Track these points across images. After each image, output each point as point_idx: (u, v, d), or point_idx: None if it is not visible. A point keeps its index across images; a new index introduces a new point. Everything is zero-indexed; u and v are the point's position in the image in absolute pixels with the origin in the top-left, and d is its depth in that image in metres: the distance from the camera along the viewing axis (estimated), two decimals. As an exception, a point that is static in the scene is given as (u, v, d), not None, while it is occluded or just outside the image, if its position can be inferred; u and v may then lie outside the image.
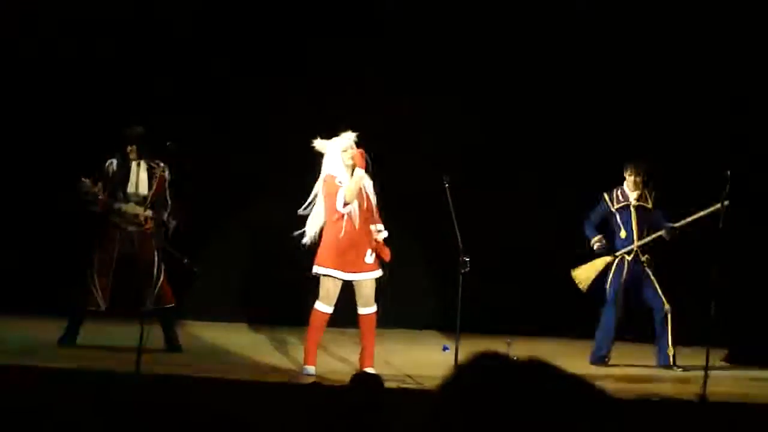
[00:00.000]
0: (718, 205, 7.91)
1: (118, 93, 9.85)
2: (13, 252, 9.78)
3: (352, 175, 7.66)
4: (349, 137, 7.76)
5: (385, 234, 7.85)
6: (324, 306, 7.74)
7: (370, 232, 7.78)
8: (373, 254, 7.75)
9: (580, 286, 9.05)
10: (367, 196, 7.75)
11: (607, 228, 9.07)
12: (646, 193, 9.00)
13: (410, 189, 9.68)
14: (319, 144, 7.75)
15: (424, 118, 10.19)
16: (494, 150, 10.38)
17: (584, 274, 9.05)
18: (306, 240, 7.82)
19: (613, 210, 9.01)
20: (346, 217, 7.64)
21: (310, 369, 7.73)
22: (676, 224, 8.83)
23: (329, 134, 7.80)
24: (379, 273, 7.85)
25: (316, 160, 7.82)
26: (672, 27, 10.32)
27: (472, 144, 10.32)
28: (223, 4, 10.32)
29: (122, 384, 6.65)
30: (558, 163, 10.40)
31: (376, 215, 7.86)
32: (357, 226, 7.65)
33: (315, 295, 7.83)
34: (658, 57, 10.39)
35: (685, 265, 9.10)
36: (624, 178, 9.00)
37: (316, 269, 7.72)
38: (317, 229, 7.79)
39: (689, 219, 8.70)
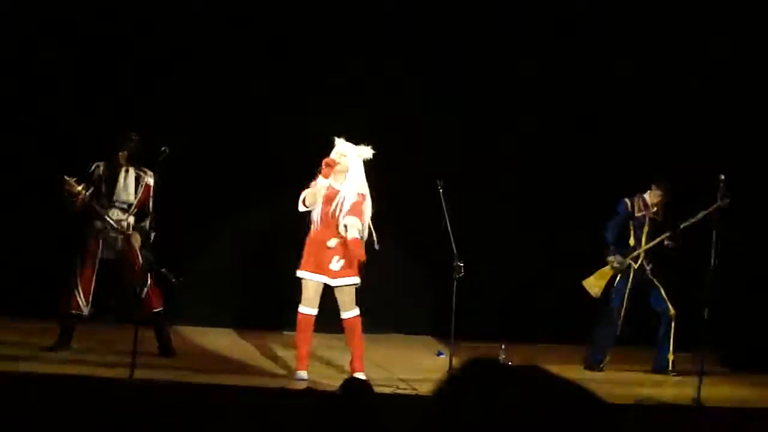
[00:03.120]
0: (719, 203, 8.01)
1: (112, 97, 9.82)
2: (7, 256, 9.75)
3: (326, 176, 7.77)
4: (346, 145, 7.84)
5: (353, 233, 7.70)
6: (305, 308, 7.86)
7: (339, 238, 7.77)
8: (342, 260, 7.77)
9: (593, 293, 9.06)
10: (339, 206, 7.74)
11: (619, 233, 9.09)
12: (661, 208, 9.04)
13: (404, 193, 9.67)
14: (336, 141, 7.88)
15: (418, 121, 10.19)
16: (489, 154, 10.37)
17: (595, 282, 9.06)
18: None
19: (632, 216, 9.03)
20: (311, 219, 7.82)
21: (302, 374, 7.75)
22: (678, 227, 8.83)
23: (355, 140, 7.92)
24: (352, 280, 7.83)
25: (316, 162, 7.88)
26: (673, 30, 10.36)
27: (467, 148, 10.31)
28: (222, 7, 10.29)
29: (116, 390, 6.63)
30: (554, 169, 10.40)
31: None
32: (319, 230, 7.77)
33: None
34: (657, 58, 10.42)
35: (678, 270, 9.10)
36: (645, 187, 9.03)
37: (297, 272, 7.90)
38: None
39: (692, 220, 8.65)
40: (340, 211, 7.72)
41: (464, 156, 10.23)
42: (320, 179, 7.74)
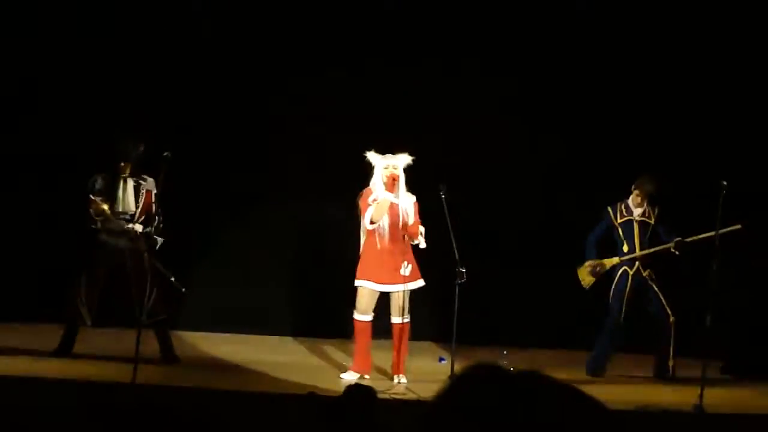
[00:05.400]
0: (737, 226, 8.03)
1: (115, 104, 9.82)
2: (12, 260, 9.76)
3: (391, 191, 8.09)
4: (394, 158, 8.16)
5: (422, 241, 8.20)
6: (359, 315, 8.19)
7: (405, 246, 8.19)
8: (409, 266, 8.14)
9: (583, 284, 9.04)
10: (404, 213, 8.12)
11: (609, 242, 9.08)
12: (650, 209, 9.02)
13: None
14: (370, 156, 8.17)
15: (421, 127, 10.18)
16: (492, 160, 10.36)
17: (588, 273, 9.05)
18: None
19: (616, 224, 9.03)
20: (376, 232, 8.11)
21: (352, 374, 8.07)
22: (687, 239, 8.77)
23: (383, 149, 8.19)
24: (417, 284, 8.22)
25: (366, 171, 8.18)
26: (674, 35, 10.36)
27: (469, 154, 10.31)
28: (225, 15, 10.30)
29: (119, 395, 6.64)
30: (557, 175, 10.39)
31: (412, 229, 8.18)
32: (386, 242, 8.12)
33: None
34: (654, 64, 10.42)
35: (680, 277, 9.10)
36: (629, 193, 9.02)
37: (356, 282, 8.19)
38: (363, 237, 8.27)
39: (702, 236, 8.53)
40: (406, 221, 8.12)
41: (467, 162, 10.22)
42: (386, 194, 8.05)
